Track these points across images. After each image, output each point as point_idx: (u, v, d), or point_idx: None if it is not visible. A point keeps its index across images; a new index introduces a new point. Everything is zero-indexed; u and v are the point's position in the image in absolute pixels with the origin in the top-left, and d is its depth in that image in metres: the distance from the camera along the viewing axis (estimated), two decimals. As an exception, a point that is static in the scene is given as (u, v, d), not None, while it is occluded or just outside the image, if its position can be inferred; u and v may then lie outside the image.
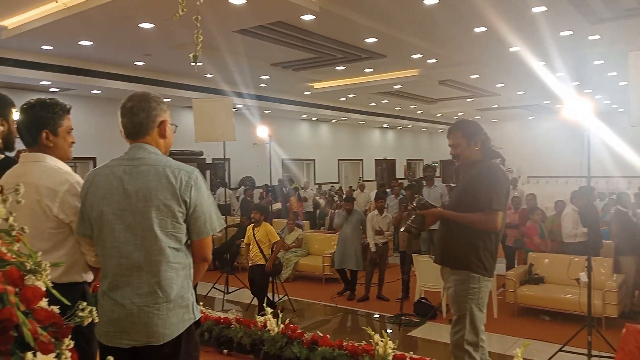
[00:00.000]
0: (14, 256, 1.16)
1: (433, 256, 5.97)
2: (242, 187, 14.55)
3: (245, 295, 6.88)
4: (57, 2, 6.01)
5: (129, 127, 2.02)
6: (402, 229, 6.43)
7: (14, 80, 10.09)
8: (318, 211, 13.53)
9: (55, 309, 1.18)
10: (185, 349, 1.92)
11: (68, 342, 1.15)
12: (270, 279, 6.80)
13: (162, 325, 1.85)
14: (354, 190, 14.61)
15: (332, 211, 11.95)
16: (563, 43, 9.51)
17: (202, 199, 1.95)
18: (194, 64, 3.19)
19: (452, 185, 7.50)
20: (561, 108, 20.11)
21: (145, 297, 1.85)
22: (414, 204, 3.17)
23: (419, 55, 10.87)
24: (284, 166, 18.58)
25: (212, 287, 7.09)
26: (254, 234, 5.90)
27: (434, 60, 11.41)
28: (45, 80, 10.67)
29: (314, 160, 20.73)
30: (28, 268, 1.14)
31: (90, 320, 1.27)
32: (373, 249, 7.02)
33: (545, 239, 7.13)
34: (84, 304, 1.28)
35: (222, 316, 3.28)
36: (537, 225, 7.16)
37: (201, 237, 1.97)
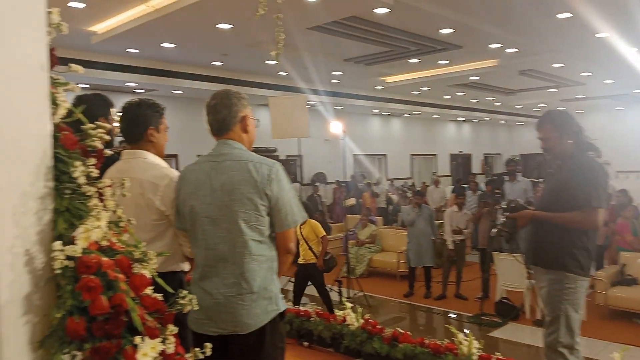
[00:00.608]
0: (122, 246, 1.24)
1: (516, 255, 5.76)
2: (317, 183, 14.70)
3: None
4: (147, 5, 6.34)
5: (213, 124, 2.10)
6: (492, 233, 6.21)
7: (103, 82, 10.77)
8: (391, 207, 13.39)
9: (159, 296, 1.25)
10: (271, 340, 1.96)
11: (172, 328, 1.20)
12: (346, 274, 6.83)
13: (246, 315, 1.92)
14: (427, 186, 14.34)
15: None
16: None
17: (284, 191, 1.98)
18: (275, 61, 3.28)
19: (535, 180, 7.13)
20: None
21: (230, 287, 1.93)
22: (504, 205, 3.05)
23: (497, 45, 10.43)
24: (355, 162, 18.56)
25: (289, 280, 7.22)
26: (301, 232, 5.87)
27: (514, 50, 10.90)
28: (131, 81, 11.32)
29: (385, 155, 20.52)
30: (136, 257, 1.21)
31: (189, 308, 1.33)
32: (451, 246, 6.84)
33: (638, 236, 6.63)
34: (185, 292, 1.34)
35: (302, 309, 3.34)
36: (629, 222, 6.67)
37: (283, 229, 2.01)
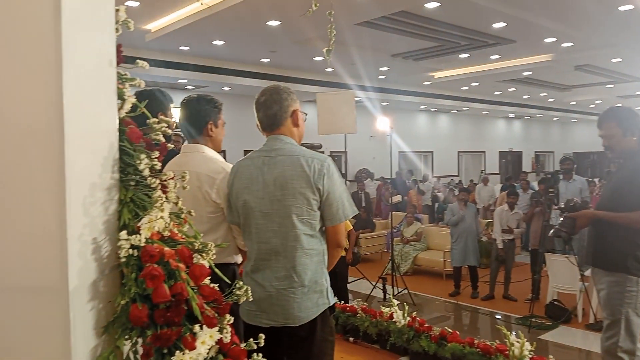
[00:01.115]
0: (183, 237, 1.28)
1: (569, 256, 5.56)
2: (365, 180, 14.65)
3: (364, 286, 6.93)
4: (201, 3, 6.49)
5: (264, 120, 2.11)
6: (550, 234, 6.00)
7: (155, 79, 11.12)
8: (437, 205, 13.18)
9: (215, 287, 1.28)
10: (321, 333, 1.98)
11: (229, 318, 1.23)
12: (391, 271, 6.78)
13: (297, 308, 1.93)
14: (475, 184, 14.02)
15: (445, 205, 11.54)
16: None
17: (335, 186, 1.99)
18: (327, 58, 3.28)
19: (590, 180, 6.84)
20: None
21: (282, 280, 1.95)
22: (562, 205, 2.95)
23: (552, 39, 10.07)
24: (400, 158, 18.38)
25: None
26: None
27: (570, 44, 10.49)
28: (182, 78, 11.63)
29: (432, 152, 20.22)
30: (196, 248, 1.25)
31: (245, 299, 1.36)
32: (500, 246, 6.68)
33: None
34: (241, 283, 1.37)
35: (348, 305, 3.34)
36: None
37: (334, 223, 2.01)
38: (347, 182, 14.95)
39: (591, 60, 12.11)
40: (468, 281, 7.01)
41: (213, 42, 9.92)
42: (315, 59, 11.36)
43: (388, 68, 12.85)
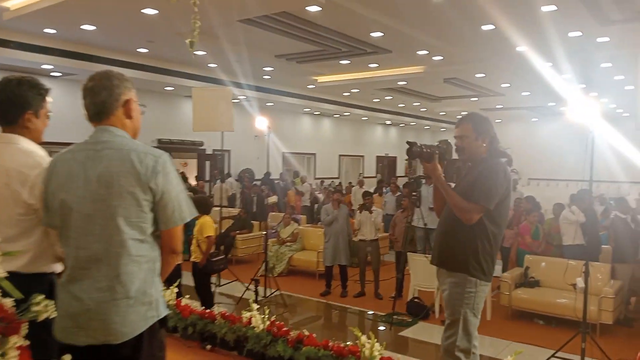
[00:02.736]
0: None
1: (429, 256, 5.92)
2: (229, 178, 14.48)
3: (237, 289, 6.82)
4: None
5: (91, 108, 1.89)
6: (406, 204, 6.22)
7: (16, 62, 10.01)
8: (316, 205, 13.45)
9: (9, 301, 1.11)
10: (149, 349, 1.78)
11: (16, 340, 1.07)
12: (264, 272, 6.74)
13: (120, 323, 1.71)
14: (353, 186, 14.53)
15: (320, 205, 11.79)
16: (571, 44, 9.38)
17: (170, 185, 1.81)
18: (191, 50, 3.13)
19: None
20: (566, 110, 19.98)
21: (104, 291, 1.72)
22: (439, 144, 2.98)
23: (424, 52, 10.75)
24: (284, 160, 18.51)
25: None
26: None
27: (440, 58, 11.29)
28: (47, 64, 10.58)
29: (314, 154, 20.64)
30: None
31: (46, 315, 1.19)
32: (368, 247, 6.96)
33: (539, 240, 7.05)
34: (40, 297, 1.20)
35: (207, 310, 3.22)
36: (531, 225, 7.09)
37: (169, 226, 1.83)
38: (235, 180, 14.67)
39: (458, 74, 13.14)
40: (339, 280, 7.20)
41: (82, 27, 9.14)
42: (197, 53, 10.98)
43: (272, 68, 12.83)
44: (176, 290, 3.51)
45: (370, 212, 7.01)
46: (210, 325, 3.32)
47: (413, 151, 2.85)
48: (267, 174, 7.07)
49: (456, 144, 2.95)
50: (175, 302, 3.41)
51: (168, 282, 4.22)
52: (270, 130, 6.46)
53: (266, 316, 2.92)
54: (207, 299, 5.39)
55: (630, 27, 8.38)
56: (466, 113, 3.04)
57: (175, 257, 1.91)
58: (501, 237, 2.94)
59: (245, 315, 2.94)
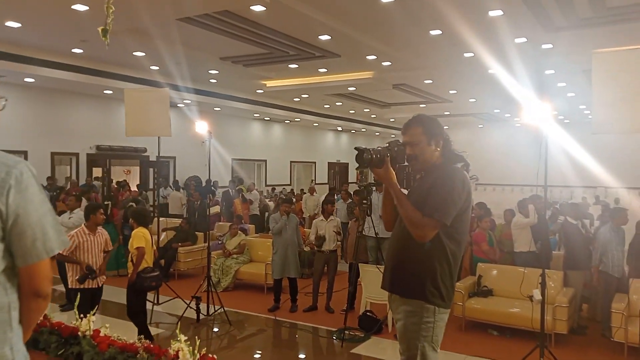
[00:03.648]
0: None
1: (381, 266, 5.63)
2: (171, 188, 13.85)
3: (179, 306, 6.31)
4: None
5: None
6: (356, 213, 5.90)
7: None
8: (267, 214, 13.01)
9: None
10: None
11: None
12: (208, 287, 6.26)
13: None
14: (304, 193, 14.20)
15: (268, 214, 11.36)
16: (516, 50, 9.45)
17: (30, 205, 1.36)
18: (104, 38, 2.73)
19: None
20: (510, 117, 20.50)
21: None
22: (390, 146, 2.54)
23: (373, 57, 10.60)
24: (233, 167, 17.99)
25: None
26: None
27: (389, 63, 11.18)
28: (-34, 63, 9.71)
29: (265, 161, 20.21)
30: None
31: None
32: (319, 257, 6.64)
33: (494, 247, 6.94)
34: None
35: (130, 342, 2.78)
36: (485, 232, 6.97)
37: (29, 262, 1.36)
38: (182, 189, 13.93)
39: (407, 80, 13.13)
40: (289, 294, 6.81)
41: (6, 24, 8.39)
42: (135, 54, 10.37)
43: (217, 71, 12.35)
44: (94, 318, 3.04)
45: (327, 220, 6.73)
46: (132, 360, 2.86)
47: (364, 158, 2.42)
48: (208, 181, 6.57)
49: (407, 153, 2.52)
50: (91, 334, 2.95)
51: (90, 307, 3.72)
52: (212, 135, 6.02)
53: (196, 350, 2.51)
54: (136, 320, 4.90)
55: (574, 34, 8.51)
56: (413, 116, 2.59)
57: (42, 302, 1.43)
58: (461, 256, 2.54)
59: (174, 346, 2.54)
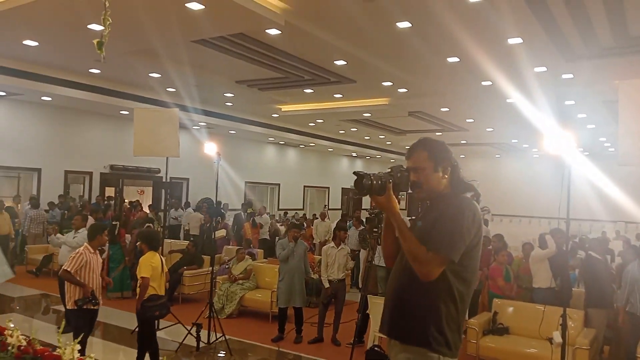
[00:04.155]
0: None
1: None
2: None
3: (181, 332, 6.08)
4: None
5: None
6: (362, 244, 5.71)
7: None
8: (277, 239, 12.79)
9: None
10: None
11: None
12: (210, 313, 6.05)
13: None
14: (315, 219, 13.97)
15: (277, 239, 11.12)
16: (536, 79, 9.26)
17: None
18: (99, 51, 2.60)
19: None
20: (528, 147, 20.16)
21: None
22: (392, 171, 2.25)
23: (389, 83, 10.50)
24: (247, 189, 17.95)
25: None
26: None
27: (405, 90, 11.06)
28: (-15, 81, 9.83)
29: (279, 185, 20.11)
30: None
31: None
32: (326, 285, 6.38)
33: (510, 283, 6.63)
34: None
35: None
36: (502, 267, 6.66)
37: None
38: (193, 210, 13.83)
39: (423, 107, 12.98)
40: (294, 323, 6.55)
41: (24, 42, 8.48)
42: (151, 75, 10.42)
43: (233, 95, 12.36)
44: (78, 347, 2.85)
45: (338, 248, 6.51)
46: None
47: (363, 185, 2.14)
48: (218, 203, 6.47)
49: (411, 179, 2.28)
50: (75, 363, 2.76)
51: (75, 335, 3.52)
52: (220, 157, 5.90)
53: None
54: (145, 348, 4.76)
55: (595, 64, 8.30)
56: (418, 139, 2.34)
57: None
58: (469, 298, 2.24)
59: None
